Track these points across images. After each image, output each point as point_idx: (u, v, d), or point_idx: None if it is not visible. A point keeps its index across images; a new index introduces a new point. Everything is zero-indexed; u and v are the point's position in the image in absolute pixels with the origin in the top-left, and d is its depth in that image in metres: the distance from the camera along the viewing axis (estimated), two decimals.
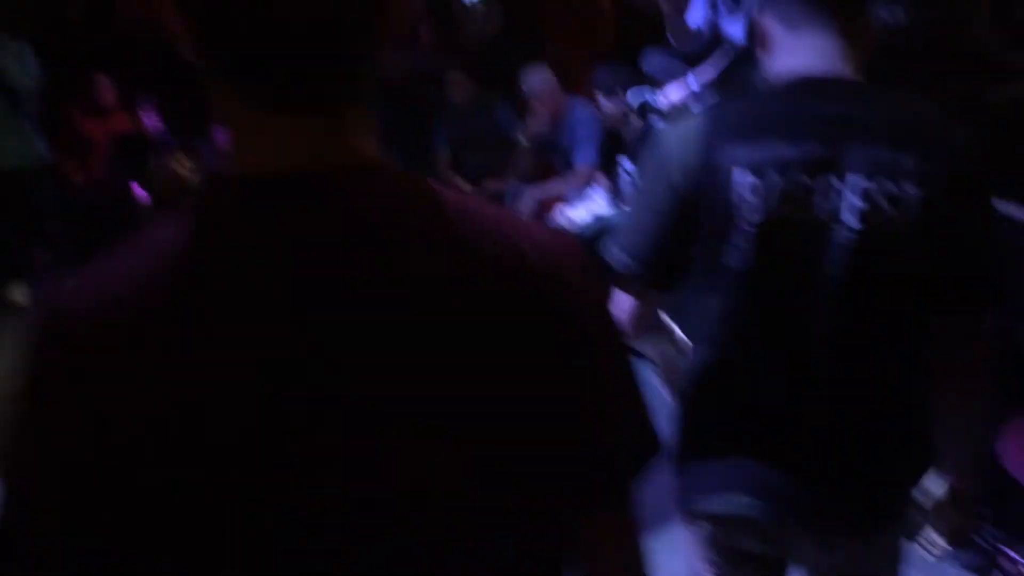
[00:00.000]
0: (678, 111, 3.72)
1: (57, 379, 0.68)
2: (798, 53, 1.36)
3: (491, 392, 0.71)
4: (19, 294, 5.47)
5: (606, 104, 4.58)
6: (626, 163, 4.56)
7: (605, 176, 4.79)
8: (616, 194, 4.64)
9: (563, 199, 4.85)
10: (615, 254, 1.41)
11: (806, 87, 1.34)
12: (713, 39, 3.74)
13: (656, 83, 3.86)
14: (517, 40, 5.61)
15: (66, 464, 0.67)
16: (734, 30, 3.59)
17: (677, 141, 1.37)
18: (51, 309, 0.71)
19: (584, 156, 4.82)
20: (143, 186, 6.28)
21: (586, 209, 4.58)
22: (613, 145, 4.64)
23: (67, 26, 6.79)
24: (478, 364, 0.70)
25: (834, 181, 1.28)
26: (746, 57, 3.49)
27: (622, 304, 1.44)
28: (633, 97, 3.87)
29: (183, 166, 5.62)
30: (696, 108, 3.67)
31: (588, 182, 4.78)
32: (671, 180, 1.34)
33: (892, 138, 1.28)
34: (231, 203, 0.69)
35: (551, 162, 5.14)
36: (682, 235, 1.35)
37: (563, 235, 0.83)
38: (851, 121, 1.29)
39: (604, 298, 0.86)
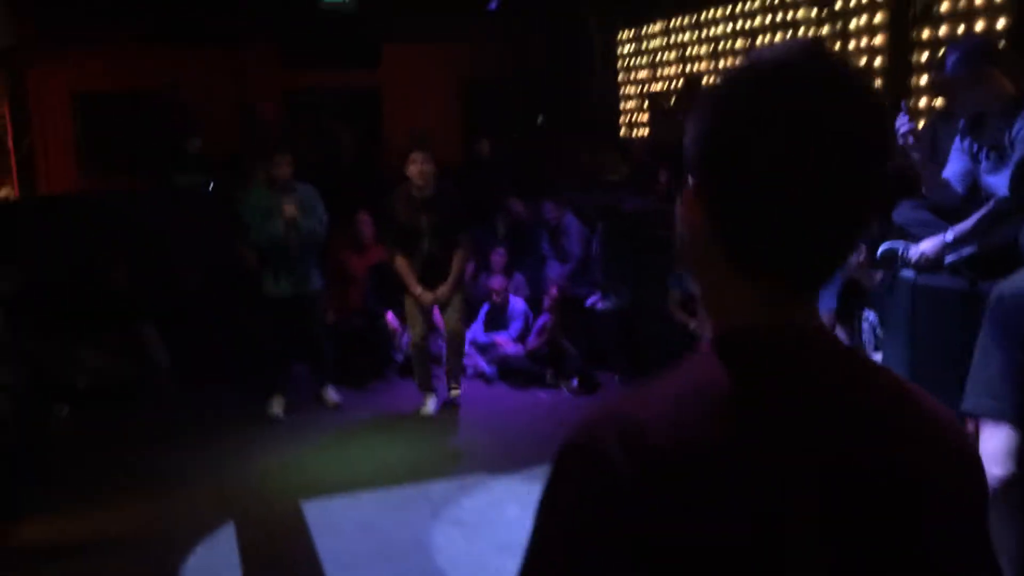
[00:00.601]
0: (930, 263, 3.55)
1: (624, 477, 0.76)
2: None
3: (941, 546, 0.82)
4: (277, 406, 6.02)
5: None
6: (869, 314, 4.37)
7: (842, 325, 4.60)
8: (855, 344, 4.43)
9: None
10: (983, 402, 1.57)
11: None
12: (969, 192, 3.57)
13: (906, 234, 3.72)
14: None
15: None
16: (996, 183, 3.42)
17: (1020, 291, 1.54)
18: (616, 415, 0.81)
19: (822, 304, 4.67)
20: (395, 313, 6.83)
21: None
22: (853, 295, 4.47)
23: (339, 172, 7.64)
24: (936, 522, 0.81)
25: None
26: (1008, 210, 3.31)
27: (994, 444, 1.55)
28: (882, 249, 3.74)
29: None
30: (949, 260, 3.49)
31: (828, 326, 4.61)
32: (1020, 328, 1.51)
33: None
34: (750, 352, 0.82)
35: None
36: None
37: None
38: None
39: None
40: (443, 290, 5.88)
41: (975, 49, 3.29)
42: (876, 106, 0.79)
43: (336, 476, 5.03)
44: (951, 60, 3.33)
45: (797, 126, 0.76)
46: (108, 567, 4.08)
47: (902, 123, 3.43)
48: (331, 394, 6.25)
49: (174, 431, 5.82)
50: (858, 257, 4.43)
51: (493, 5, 7.99)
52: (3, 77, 8.37)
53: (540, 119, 10.03)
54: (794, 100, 0.77)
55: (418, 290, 5.85)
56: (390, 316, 6.79)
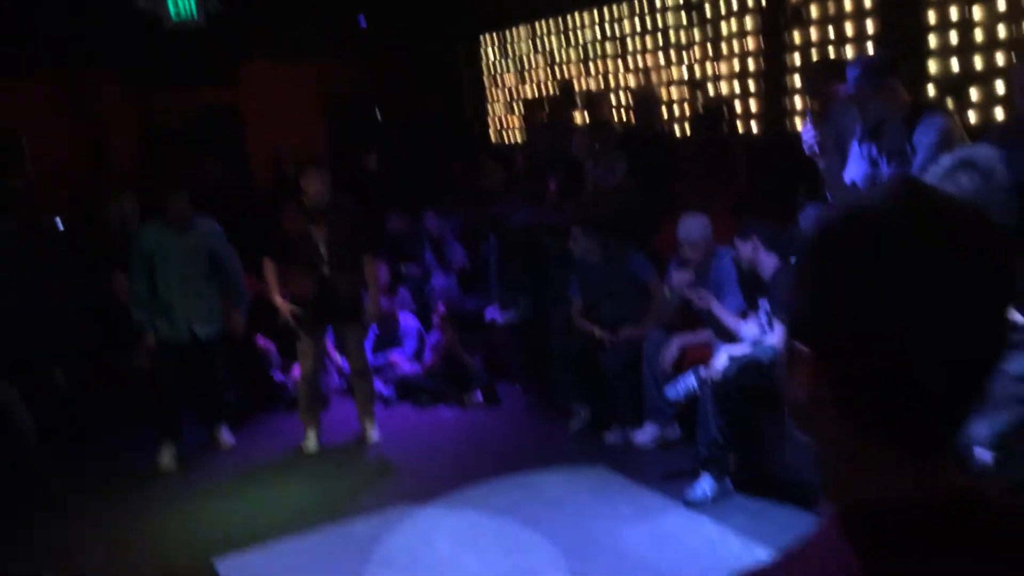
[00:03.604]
0: None
1: None
2: None
3: None
4: (168, 457, 5.61)
5: (743, 245, 4.57)
6: (765, 304, 4.54)
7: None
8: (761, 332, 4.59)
9: (710, 348, 4.82)
10: None
11: None
12: None
13: None
14: (646, 189, 5.72)
15: None
16: None
17: None
18: None
19: (730, 305, 4.81)
20: (267, 337, 6.52)
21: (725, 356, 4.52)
22: (753, 286, 4.65)
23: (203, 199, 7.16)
24: None
25: None
26: None
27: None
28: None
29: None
30: None
31: (735, 327, 4.74)
32: None
33: None
34: (885, 532, 0.75)
35: (693, 310, 5.14)
36: None
37: None
38: None
39: None
40: (372, 309, 5.71)
41: (874, 64, 3.46)
42: (994, 235, 0.76)
43: (247, 526, 4.71)
44: (852, 75, 3.48)
45: (925, 274, 0.71)
46: None
47: (807, 133, 3.56)
48: (225, 435, 5.89)
49: (48, 500, 5.27)
50: (752, 243, 4.55)
51: (363, 22, 7.76)
52: None
53: (377, 113, 9.81)
54: (915, 246, 0.72)
55: (279, 300, 5.52)
56: (259, 338, 6.46)
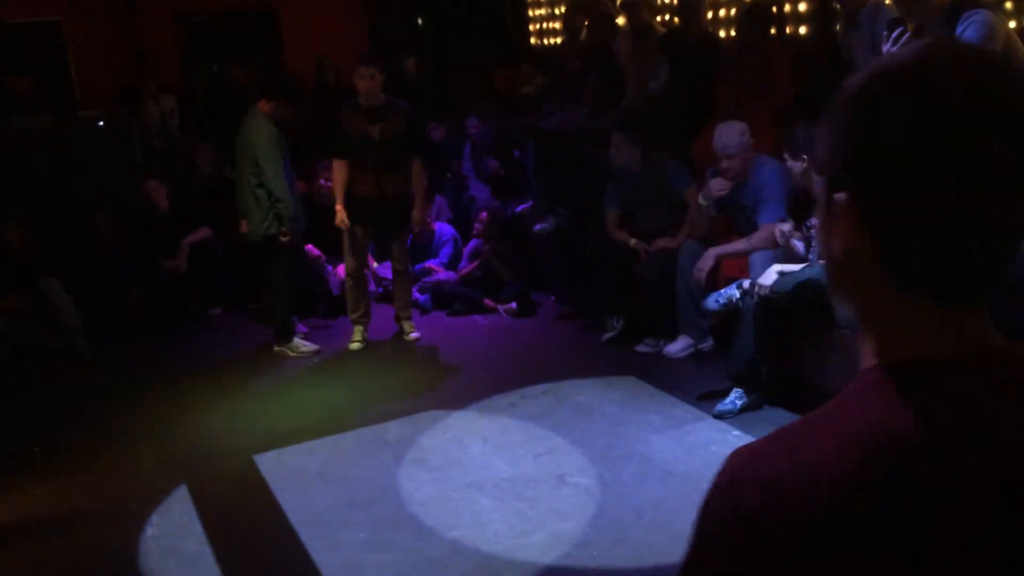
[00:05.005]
0: None
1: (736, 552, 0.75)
2: None
3: None
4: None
5: (793, 164, 4.47)
6: (814, 222, 4.41)
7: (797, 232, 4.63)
8: (807, 250, 4.49)
9: (746, 259, 4.73)
10: None
11: None
12: None
13: None
14: (687, 97, 5.54)
15: None
16: None
17: None
18: (746, 478, 0.79)
19: (769, 215, 4.68)
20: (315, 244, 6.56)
21: (775, 271, 4.41)
22: (801, 204, 4.51)
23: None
24: None
25: None
26: None
27: None
28: None
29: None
30: None
31: (773, 242, 4.63)
32: None
33: None
34: (916, 388, 0.75)
35: (731, 220, 5.03)
36: None
37: None
38: None
39: None
40: (416, 215, 5.86)
41: None
42: None
43: (285, 425, 4.86)
44: None
45: (965, 124, 0.72)
46: (54, 552, 3.81)
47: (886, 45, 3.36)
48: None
49: (99, 395, 5.48)
50: (803, 164, 4.46)
51: None
52: None
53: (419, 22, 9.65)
54: (956, 98, 0.72)
55: (340, 206, 5.62)
56: (310, 247, 6.51)
